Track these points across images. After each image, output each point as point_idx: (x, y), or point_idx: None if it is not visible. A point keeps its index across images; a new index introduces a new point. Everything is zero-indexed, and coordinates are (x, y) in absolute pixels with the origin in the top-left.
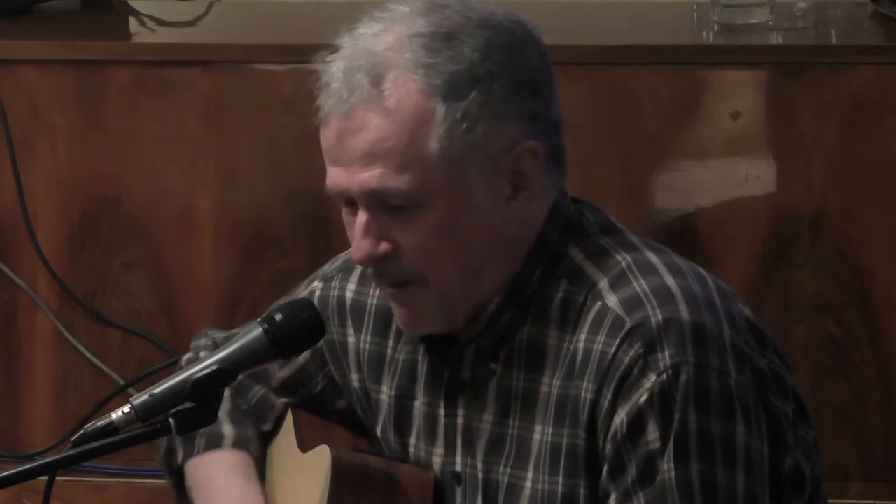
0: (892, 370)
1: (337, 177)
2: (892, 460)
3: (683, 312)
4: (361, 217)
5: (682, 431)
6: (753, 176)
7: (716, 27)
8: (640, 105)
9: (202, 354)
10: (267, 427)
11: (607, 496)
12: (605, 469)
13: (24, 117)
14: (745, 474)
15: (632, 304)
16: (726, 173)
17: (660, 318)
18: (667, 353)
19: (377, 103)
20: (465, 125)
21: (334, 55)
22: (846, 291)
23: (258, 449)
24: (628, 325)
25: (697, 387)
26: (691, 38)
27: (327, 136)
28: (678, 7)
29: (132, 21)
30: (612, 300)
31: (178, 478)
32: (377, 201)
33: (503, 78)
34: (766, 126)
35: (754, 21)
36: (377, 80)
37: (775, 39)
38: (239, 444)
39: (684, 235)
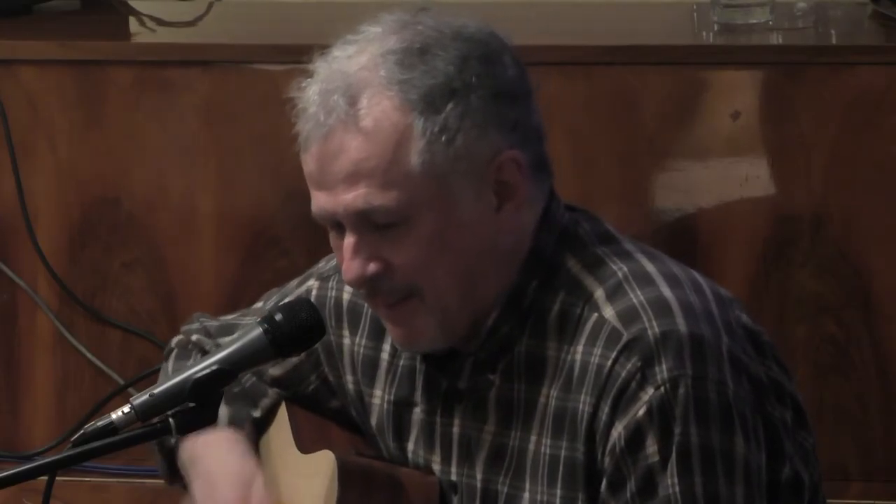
0: (892, 370)
1: (322, 201)
2: (892, 460)
3: (681, 325)
4: (349, 239)
5: (684, 445)
6: (753, 176)
7: (716, 27)
8: (640, 105)
9: (193, 338)
10: (258, 413)
11: None
12: (604, 482)
13: (24, 117)
14: (744, 486)
15: (629, 316)
16: (726, 173)
17: (657, 330)
18: (664, 367)
19: (354, 124)
20: (444, 138)
21: (309, 80)
22: (846, 291)
23: (252, 430)
24: (625, 338)
25: (696, 400)
26: (691, 38)
27: (308, 162)
28: (678, 7)
29: (132, 21)
30: (608, 312)
31: (170, 457)
32: (364, 221)
33: (480, 89)
34: (766, 126)
35: (754, 21)
36: (353, 101)
37: (775, 39)
38: (234, 422)
39: (684, 235)
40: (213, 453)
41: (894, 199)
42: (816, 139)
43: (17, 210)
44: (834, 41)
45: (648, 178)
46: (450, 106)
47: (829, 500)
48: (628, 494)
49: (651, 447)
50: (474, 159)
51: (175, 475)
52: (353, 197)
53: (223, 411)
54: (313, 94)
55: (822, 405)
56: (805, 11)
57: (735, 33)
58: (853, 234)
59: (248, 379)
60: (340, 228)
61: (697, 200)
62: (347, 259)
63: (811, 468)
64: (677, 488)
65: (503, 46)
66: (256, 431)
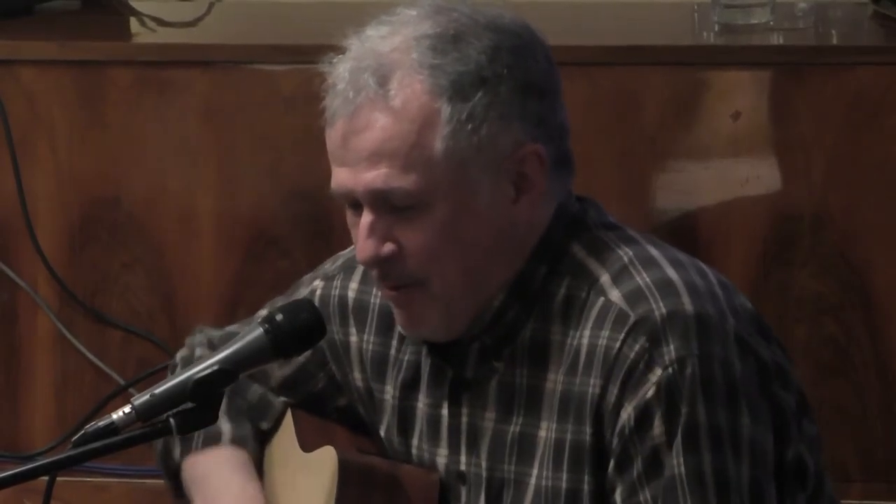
0: (892, 370)
1: (342, 177)
2: (892, 460)
3: (686, 304)
4: (366, 218)
5: (691, 425)
6: (754, 176)
7: (716, 27)
8: (640, 105)
9: (197, 351)
10: (265, 425)
11: (614, 490)
12: (611, 463)
13: (24, 117)
14: (750, 466)
15: (635, 297)
16: (726, 173)
17: (663, 311)
18: (672, 347)
19: (383, 103)
20: (470, 126)
21: (341, 56)
22: (846, 291)
23: (256, 447)
24: (632, 319)
25: (703, 379)
26: (692, 38)
27: (333, 137)
28: (679, 7)
29: (132, 21)
30: (614, 295)
31: (175, 475)
32: (382, 202)
33: (509, 80)
34: (767, 126)
35: (755, 21)
36: (383, 81)
37: (776, 40)
38: (237, 441)
39: (685, 235)
40: (217, 474)
41: (894, 199)
42: (816, 139)
43: (17, 210)
44: (834, 41)
45: (649, 178)
46: (478, 95)
47: None
48: (635, 475)
49: (658, 428)
50: (496, 150)
51: (180, 492)
52: (373, 177)
53: (226, 428)
54: (344, 70)
55: (822, 405)
56: (805, 12)
57: (735, 33)
58: (853, 234)
59: (253, 392)
60: (358, 207)
61: (698, 200)
62: (362, 238)
63: (815, 455)
64: (683, 468)
65: (535, 40)
66: (263, 442)
